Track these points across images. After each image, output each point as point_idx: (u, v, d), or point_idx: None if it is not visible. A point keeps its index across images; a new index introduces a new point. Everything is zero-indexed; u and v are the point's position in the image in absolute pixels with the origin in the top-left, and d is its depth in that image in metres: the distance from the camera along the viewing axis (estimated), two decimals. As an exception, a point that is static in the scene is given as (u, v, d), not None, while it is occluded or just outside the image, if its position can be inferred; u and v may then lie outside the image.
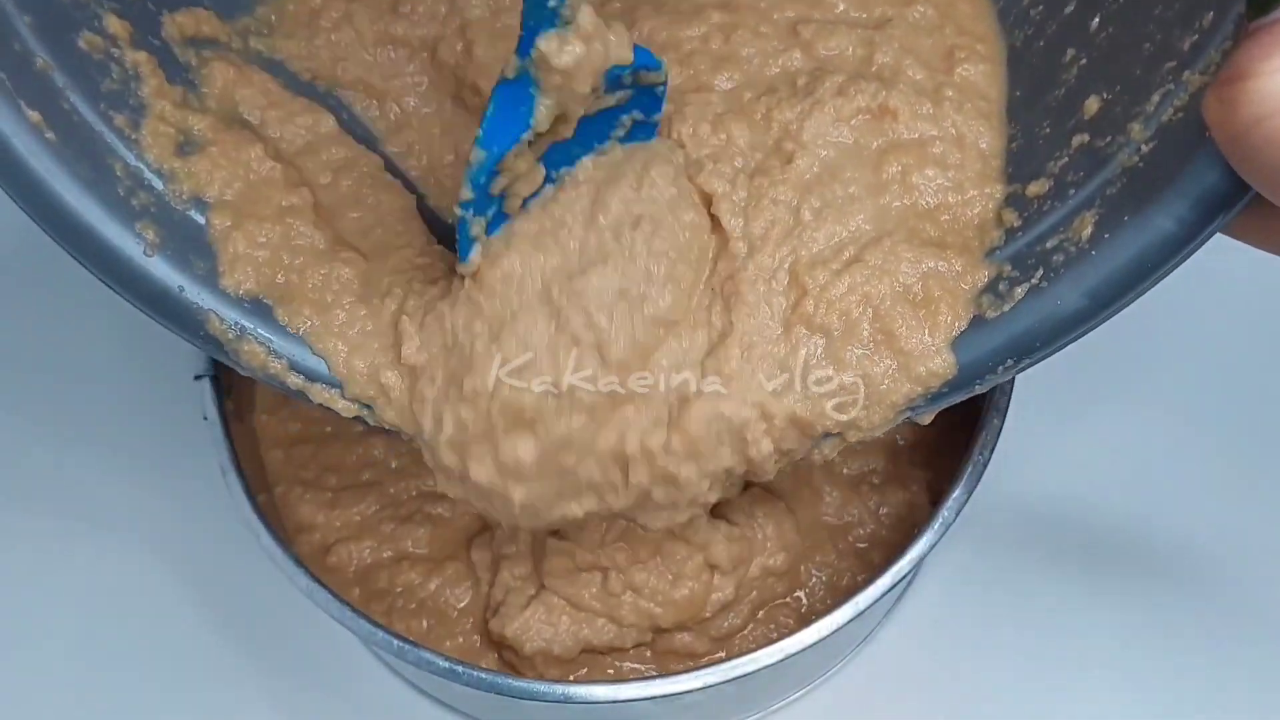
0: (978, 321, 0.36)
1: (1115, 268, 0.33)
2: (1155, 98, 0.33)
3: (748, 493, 0.47)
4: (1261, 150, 0.27)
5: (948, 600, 0.51)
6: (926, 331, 0.36)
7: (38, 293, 0.58)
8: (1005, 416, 0.43)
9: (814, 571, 0.48)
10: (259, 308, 0.37)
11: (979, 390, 0.36)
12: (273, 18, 0.41)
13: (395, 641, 0.40)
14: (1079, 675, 0.50)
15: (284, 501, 0.49)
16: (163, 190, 0.36)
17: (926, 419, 0.38)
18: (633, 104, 0.36)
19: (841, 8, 0.42)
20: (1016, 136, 0.38)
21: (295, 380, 0.37)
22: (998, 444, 0.43)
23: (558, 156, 0.36)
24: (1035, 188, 0.36)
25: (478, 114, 0.42)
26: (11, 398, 0.57)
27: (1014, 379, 0.44)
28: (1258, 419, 0.55)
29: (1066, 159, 0.35)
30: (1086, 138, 0.35)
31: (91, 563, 0.53)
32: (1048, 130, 0.37)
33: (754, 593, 0.47)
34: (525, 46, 0.32)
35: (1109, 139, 0.34)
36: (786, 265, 0.37)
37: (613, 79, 0.34)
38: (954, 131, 0.38)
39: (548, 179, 0.36)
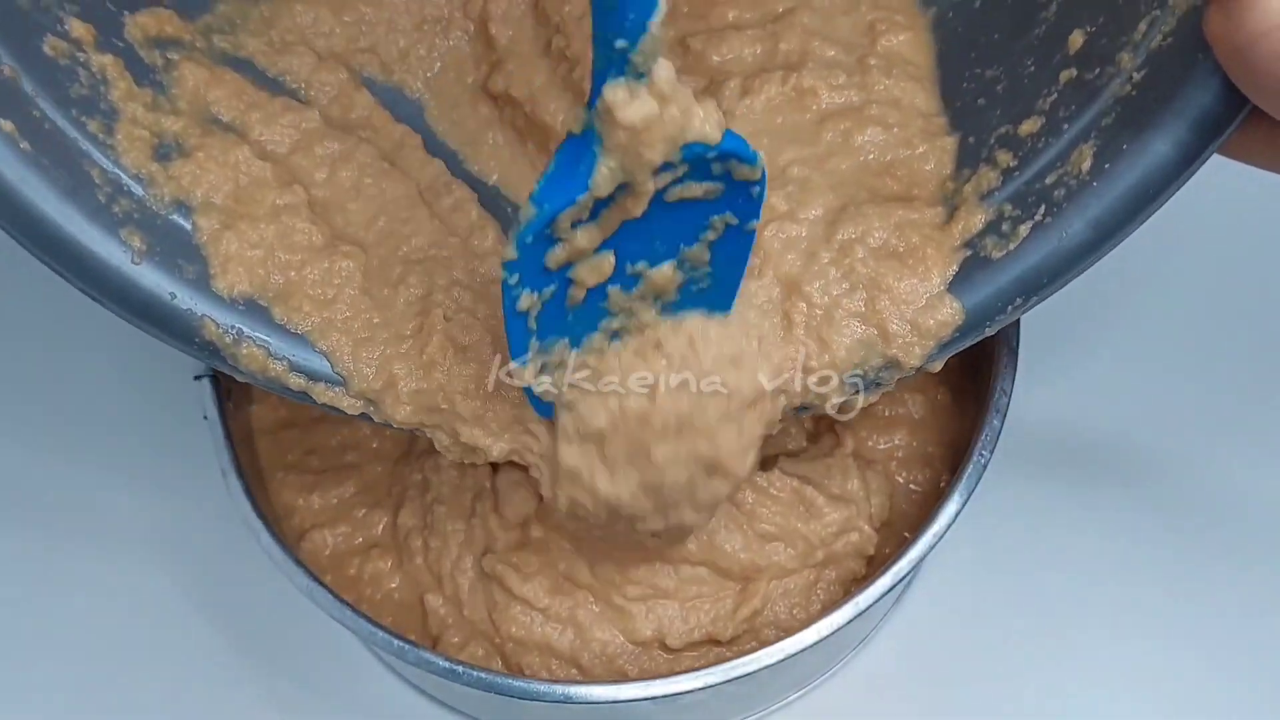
0: (983, 263, 0.36)
1: (1118, 196, 0.33)
2: (1142, 26, 0.33)
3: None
4: (1266, 63, 0.27)
5: (948, 600, 0.51)
6: (919, 278, 0.36)
7: (35, 294, 0.58)
8: (1005, 417, 0.43)
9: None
10: (255, 309, 0.37)
11: (989, 332, 0.37)
12: (235, 16, 0.40)
13: (395, 641, 0.40)
14: (1080, 674, 0.50)
15: (269, 487, 0.48)
16: (143, 195, 0.35)
17: (938, 366, 0.38)
18: (725, 202, 0.32)
19: (732, 15, 0.42)
20: (1000, 78, 0.38)
21: (297, 381, 0.37)
22: (998, 443, 0.43)
23: (634, 244, 0.32)
24: (1028, 126, 0.36)
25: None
26: (9, 398, 0.57)
27: (1017, 364, 0.44)
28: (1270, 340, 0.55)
29: (1056, 95, 0.35)
30: (1074, 72, 0.35)
31: (90, 562, 0.53)
32: (1032, 69, 0.37)
33: (833, 571, 0.46)
34: (593, 96, 0.29)
35: (1098, 71, 0.34)
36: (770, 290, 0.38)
37: (698, 162, 0.30)
38: (887, 95, 0.39)
39: (619, 272, 0.33)
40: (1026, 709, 0.49)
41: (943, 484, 0.48)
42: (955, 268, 0.36)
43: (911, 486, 0.48)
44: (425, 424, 0.38)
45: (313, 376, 0.37)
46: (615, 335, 0.35)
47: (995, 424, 0.43)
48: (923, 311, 0.36)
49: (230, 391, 0.46)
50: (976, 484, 0.42)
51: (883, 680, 0.50)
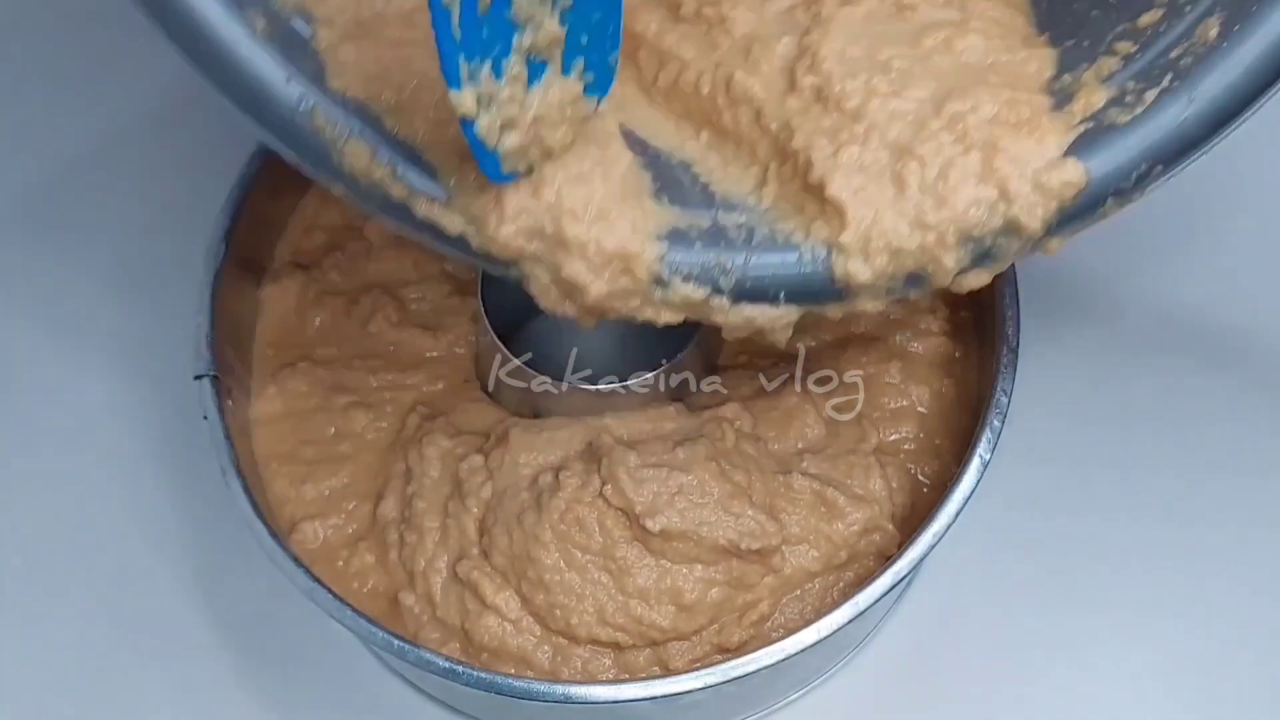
0: (1107, 130, 0.35)
1: (1251, 56, 0.33)
2: None
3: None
4: None
5: (949, 600, 0.51)
6: (1036, 142, 0.35)
7: (36, 291, 0.58)
8: (1006, 417, 0.43)
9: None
10: (366, 113, 0.35)
11: (1111, 208, 0.36)
12: None
13: (395, 641, 0.40)
14: (1081, 674, 0.50)
15: (263, 478, 0.48)
16: None
17: (1054, 246, 0.37)
18: None
19: None
20: None
21: (400, 190, 0.35)
22: (999, 442, 0.43)
23: None
24: (1147, 18, 0.36)
25: None
26: (10, 398, 0.57)
27: (1017, 364, 0.44)
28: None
29: None
30: None
31: (91, 562, 0.53)
32: None
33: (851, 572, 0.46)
34: None
35: None
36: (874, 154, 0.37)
37: None
38: (986, 15, 0.39)
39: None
40: (1028, 710, 0.49)
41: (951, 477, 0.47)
42: (1073, 137, 0.35)
43: (920, 478, 0.48)
44: (526, 252, 0.36)
45: (415, 189, 0.35)
46: (532, 65, 0.33)
47: (996, 425, 0.43)
48: (1044, 171, 0.35)
49: (230, 391, 0.46)
50: (977, 484, 0.42)
51: (883, 680, 0.50)
